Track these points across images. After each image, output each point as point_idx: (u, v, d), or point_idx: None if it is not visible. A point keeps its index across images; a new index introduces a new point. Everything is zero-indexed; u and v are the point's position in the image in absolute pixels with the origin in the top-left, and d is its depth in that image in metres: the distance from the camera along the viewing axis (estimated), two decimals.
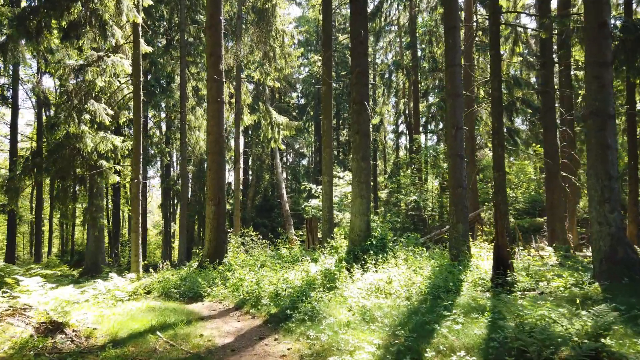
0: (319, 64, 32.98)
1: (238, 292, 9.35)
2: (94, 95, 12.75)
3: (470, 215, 18.28)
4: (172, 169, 33.64)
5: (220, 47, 13.88)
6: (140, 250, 13.87)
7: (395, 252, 10.69)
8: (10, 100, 24.71)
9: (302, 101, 44.75)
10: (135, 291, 10.97)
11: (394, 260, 10.03)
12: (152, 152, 25.59)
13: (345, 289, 8.04)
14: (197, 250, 18.54)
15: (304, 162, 45.82)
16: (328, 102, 13.35)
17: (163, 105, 26.70)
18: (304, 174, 38.72)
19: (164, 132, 30.46)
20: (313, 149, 45.79)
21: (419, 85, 30.93)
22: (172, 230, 37.79)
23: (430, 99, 32.84)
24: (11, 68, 23.74)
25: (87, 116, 12.48)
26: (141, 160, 13.83)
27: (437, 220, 23.93)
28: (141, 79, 13.69)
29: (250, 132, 34.95)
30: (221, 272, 11.85)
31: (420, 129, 30.69)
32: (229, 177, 44.90)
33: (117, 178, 14.80)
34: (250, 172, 36.45)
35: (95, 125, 13.10)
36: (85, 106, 12.28)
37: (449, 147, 10.96)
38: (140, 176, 13.83)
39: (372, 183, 33.42)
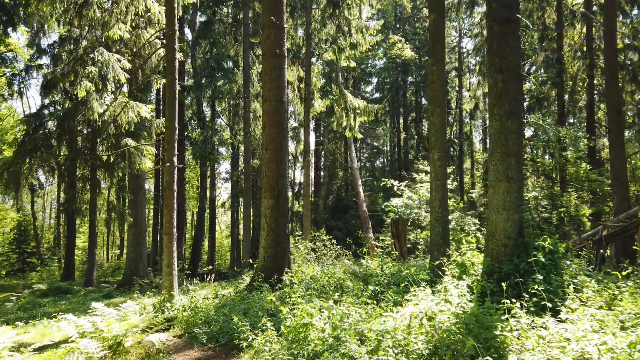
0: (400, 45, 28.20)
1: (300, 349, 4.93)
2: (109, 45, 9.08)
3: (622, 215, 12.78)
4: (239, 163, 30.21)
5: None
6: (175, 260, 9.94)
7: (574, 277, 5.84)
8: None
9: (377, 95, 40.03)
10: (144, 325, 6.94)
11: (587, 295, 5.21)
12: (216, 143, 22.03)
13: None
14: (252, 261, 14.47)
15: (377, 162, 40.99)
16: (440, 34, 8.44)
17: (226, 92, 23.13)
18: (381, 172, 33.95)
19: (226, 122, 27.07)
20: (388, 147, 40.89)
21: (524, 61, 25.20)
22: (241, 232, 34.47)
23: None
24: None
25: (93, 69, 8.77)
26: (176, 137, 9.90)
27: (554, 223, 18.36)
28: (176, 28, 9.80)
29: (321, 124, 30.83)
30: (278, 299, 7.58)
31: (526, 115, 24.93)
32: (299, 174, 41.07)
33: (148, 163, 11.11)
34: (322, 169, 32.27)
35: (111, 87, 9.48)
36: (92, 56, 8.57)
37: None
38: (176, 159, 9.90)
39: (449, 182, 27.69)
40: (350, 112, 20.82)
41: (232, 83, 22.07)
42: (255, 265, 10.29)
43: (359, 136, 21.20)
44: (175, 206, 9.91)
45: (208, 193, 28.86)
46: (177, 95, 9.93)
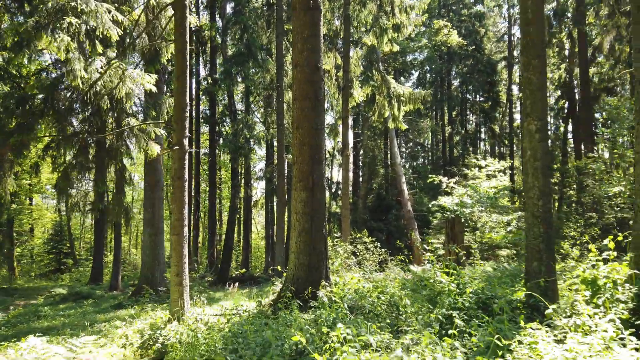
0: (445, 31, 25.56)
1: None
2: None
3: None
4: (273, 159, 28.27)
5: None
6: (187, 267, 7.93)
7: None
8: None
9: (419, 90, 37.28)
10: None
11: None
12: (247, 136, 20.10)
13: None
14: (280, 268, 12.34)
15: (420, 159, 38.16)
16: None
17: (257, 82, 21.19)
18: (424, 170, 31.24)
19: (259, 117, 25.19)
20: (430, 143, 38.04)
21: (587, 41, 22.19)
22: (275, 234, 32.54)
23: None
24: None
25: (74, 21, 6.80)
26: (187, 115, 7.89)
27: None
28: None
29: (359, 119, 28.51)
30: (312, 325, 5.42)
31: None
32: (336, 173, 38.67)
33: (156, 148, 9.16)
34: (360, 167, 29.91)
35: (103, 50, 7.53)
36: (74, 4, 6.62)
37: None
38: (187, 141, 7.88)
39: (504, 177, 24.62)
40: (394, 100, 18.46)
41: (264, 72, 20.11)
42: (284, 274, 8.16)
43: (404, 127, 18.79)
44: (186, 199, 7.90)
45: (242, 191, 27.08)
46: (187, 64, 7.92)
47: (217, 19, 22.93)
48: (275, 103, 20.69)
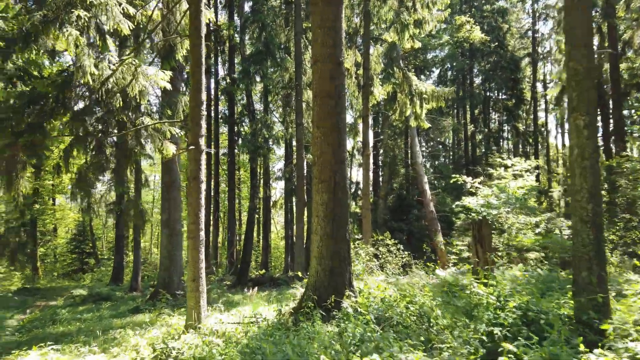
0: (468, 27, 24.78)
1: None
2: None
3: None
4: (292, 159, 27.88)
5: None
6: (203, 272, 7.55)
7: None
8: None
9: (441, 88, 36.44)
10: None
11: None
12: (266, 136, 19.71)
13: None
14: (301, 274, 11.87)
15: (441, 158, 37.26)
16: None
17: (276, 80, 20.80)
18: (446, 169, 30.45)
19: (278, 117, 24.81)
20: (451, 141, 37.14)
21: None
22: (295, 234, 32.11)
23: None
24: None
25: (83, 14, 6.46)
26: (203, 114, 7.51)
27: None
28: None
29: (379, 118, 27.90)
30: (337, 339, 4.96)
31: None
32: (355, 173, 37.98)
33: (172, 148, 8.78)
34: (380, 167, 29.31)
35: (115, 43, 7.18)
36: None
37: None
38: (203, 141, 7.51)
39: (531, 176, 23.50)
40: (416, 97, 17.86)
41: (282, 70, 19.72)
42: (306, 281, 7.71)
43: (426, 125, 18.17)
44: (203, 201, 7.52)
45: (261, 191, 26.75)
46: (203, 60, 7.53)
47: (235, 18, 22.64)
48: (294, 102, 20.27)
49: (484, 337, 4.50)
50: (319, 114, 7.45)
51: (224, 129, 29.74)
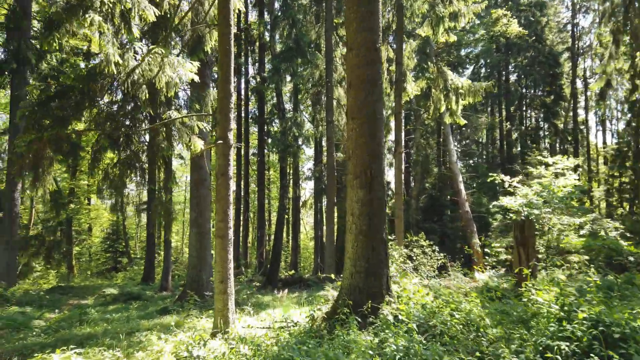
0: (505, 20, 23.74)
1: None
2: None
3: None
4: (321, 158, 27.40)
5: None
6: (232, 273, 7.14)
7: None
8: None
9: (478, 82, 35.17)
10: None
11: None
12: (296, 134, 19.28)
13: None
14: (333, 276, 11.30)
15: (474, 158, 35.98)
16: None
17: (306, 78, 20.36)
18: (482, 168, 29.33)
19: (308, 117, 24.37)
20: (484, 139, 35.85)
21: None
22: (325, 235, 31.60)
23: None
24: None
25: (107, 0, 6.17)
26: (232, 106, 7.11)
27: None
28: None
29: (410, 115, 27.10)
30: (376, 351, 4.41)
31: None
32: (387, 172, 37.09)
33: (200, 143, 8.39)
34: (412, 166, 28.47)
35: (137, 33, 6.84)
36: None
37: None
38: (232, 135, 7.11)
39: (575, 176, 22.03)
40: (452, 93, 17.08)
41: (313, 67, 19.27)
42: (339, 284, 7.18)
43: (462, 122, 17.36)
44: (231, 198, 7.10)
45: (290, 192, 26.42)
46: (232, 50, 7.12)
47: (266, 16, 22.38)
48: (324, 100, 19.81)
49: (548, 353, 3.87)
50: (354, 105, 6.91)
51: (253, 129, 29.59)
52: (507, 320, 5.89)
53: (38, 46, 14.91)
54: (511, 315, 5.72)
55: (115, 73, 6.49)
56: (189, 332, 7.50)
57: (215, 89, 10.64)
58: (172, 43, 8.34)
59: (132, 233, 40.74)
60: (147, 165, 9.33)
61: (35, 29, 14.87)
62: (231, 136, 7.21)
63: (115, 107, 7.58)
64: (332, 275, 12.39)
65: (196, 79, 7.44)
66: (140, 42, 7.13)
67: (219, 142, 6.96)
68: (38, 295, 13.28)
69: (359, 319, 5.85)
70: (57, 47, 6.38)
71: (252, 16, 26.62)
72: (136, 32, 6.70)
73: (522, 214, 12.89)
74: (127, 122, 7.84)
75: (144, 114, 8.06)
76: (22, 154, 6.84)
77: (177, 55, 7.60)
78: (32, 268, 25.72)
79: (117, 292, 16.16)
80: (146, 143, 8.42)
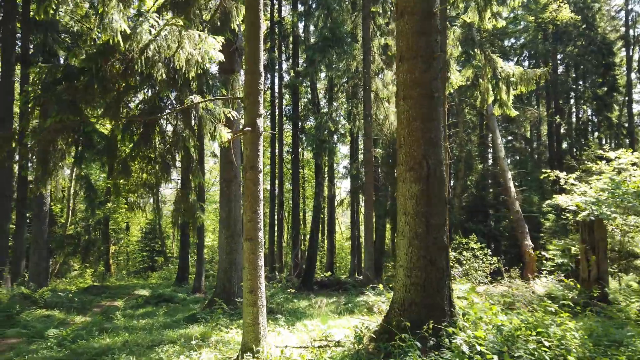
0: (554, 6, 21.85)
1: None
2: None
3: None
4: (359, 153, 26.14)
5: None
6: (262, 281, 6.07)
7: None
8: None
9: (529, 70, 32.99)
10: None
11: None
12: (332, 129, 18.13)
13: None
14: (388, 270, 10.04)
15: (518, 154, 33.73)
16: None
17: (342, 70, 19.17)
18: (532, 165, 27.31)
19: (344, 115, 23.19)
20: (530, 134, 33.59)
21: None
22: (361, 235, 30.28)
23: None
24: None
25: None
26: (261, 88, 6.05)
27: None
28: None
29: (454, 108, 25.43)
30: None
31: None
32: None
33: (226, 133, 7.38)
34: (453, 162, 26.78)
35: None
36: None
37: None
38: (262, 121, 6.06)
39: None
40: (502, 82, 15.52)
41: (349, 59, 18.08)
42: (383, 288, 5.98)
43: (514, 113, 15.77)
44: (261, 194, 6.03)
45: (325, 190, 25.33)
46: (261, 23, 6.05)
47: (300, 7, 21.38)
48: (361, 93, 18.58)
49: None
50: (406, 82, 5.71)
51: (287, 127, 28.72)
52: (601, 342, 4.60)
53: (69, 40, 14.39)
54: (603, 335, 4.43)
55: (127, 48, 5.56)
56: (215, 349, 6.50)
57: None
58: (196, 20, 7.36)
59: (169, 232, 40.63)
60: (171, 160, 8.41)
61: (62, 22, 14.40)
62: (261, 123, 6.14)
63: (130, 92, 6.69)
64: (382, 286, 11.17)
65: (221, 57, 6.41)
66: (157, 15, 6.16)
67: (247, 129, 5.89)
68: (67, 296, 12.68)
69: (419, 344, 4.65)
70: (54, 11, 5.46)
71: (285, 11, 25.70)
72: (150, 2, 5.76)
73: (591, 214, 11.25)
74: (145, 107, 6.90)
75: (166, 101, 7.15)
76: (27, 145, 6.07)
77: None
78: (70, 267, 25.71)
79: (148, 293, 15.50)
80: (169, 135, 7.49)
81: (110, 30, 5.34)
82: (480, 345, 4.09)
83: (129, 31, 5.59)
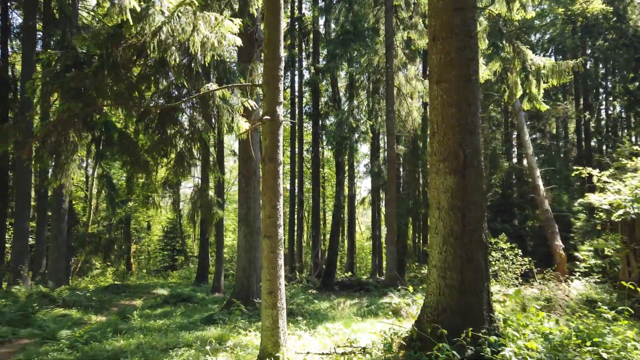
0: None
1: None
2: None
3: None
4: (380, 151, 25.55)
5: None
6: (282, 283, 5.64)
7: None
8: None
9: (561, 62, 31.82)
10: None
11: None
12: (353, 126, 17.59)
13: None
14: (411, 270, 9.48)
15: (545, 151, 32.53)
16: None
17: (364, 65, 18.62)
18: (562, 163, 26.24)
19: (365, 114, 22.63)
20: (557, 130, 32.40)
21: None
22: (383, 234, 29.67)
23: None
24: None
25: None
26: (281, 74, 5.62)
27: None
28: None
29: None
30: None
31: None
32: None
33: (244, 123, 6.94)
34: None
35: None
36: None
37: None
38: (281, 110, 5.63)
39: None
40: (532, 75, 14.77)
41: (371, 53, 17.55)
42: (423, 302, 5.48)
43: (544, 107, 14.99)
44: (281, 189, 5.59)
45: (346, 189, 24.82)
46: (281, 7, 5.61)
47: (320, 2, 20.94)
48: (383, 88, 18.03)
49: None
50: (440, 63, 5.18)
51: (307, 125, 28.32)
52: None
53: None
54: None
55: (139, 31, 5.18)
56: (231, 353, 6.08)
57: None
58: (214, 4, 6.96)
59: (190, 231, 40.67)
60: (189, 156, 8.05)
61: (84, 20, 14.28)
62: (281, 111, 5.69)
63: (143, 79, 6.34)
64: (410, 288, 10.62)
65: (238, 41, 5.99)
66: None
67: (266, 117, 5.45)
68: (85, 295, 12.48)
69: (457, 354, 4.13)
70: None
71: (305, 7, 25.33)
72: None
73: (630, 213, 10.47)
74: (159, 95, 6.54)
75: (182, 91, 6.76)
76: (37, 136, 5.76)
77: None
78: (92, 266, 25.78)
79: (167, 293, 15.24)
80: (185, 127, 7.11)
81: (120, 8, 4.96)
82: (531, 358, 3.55)
83: (138, 9, 5.22)
